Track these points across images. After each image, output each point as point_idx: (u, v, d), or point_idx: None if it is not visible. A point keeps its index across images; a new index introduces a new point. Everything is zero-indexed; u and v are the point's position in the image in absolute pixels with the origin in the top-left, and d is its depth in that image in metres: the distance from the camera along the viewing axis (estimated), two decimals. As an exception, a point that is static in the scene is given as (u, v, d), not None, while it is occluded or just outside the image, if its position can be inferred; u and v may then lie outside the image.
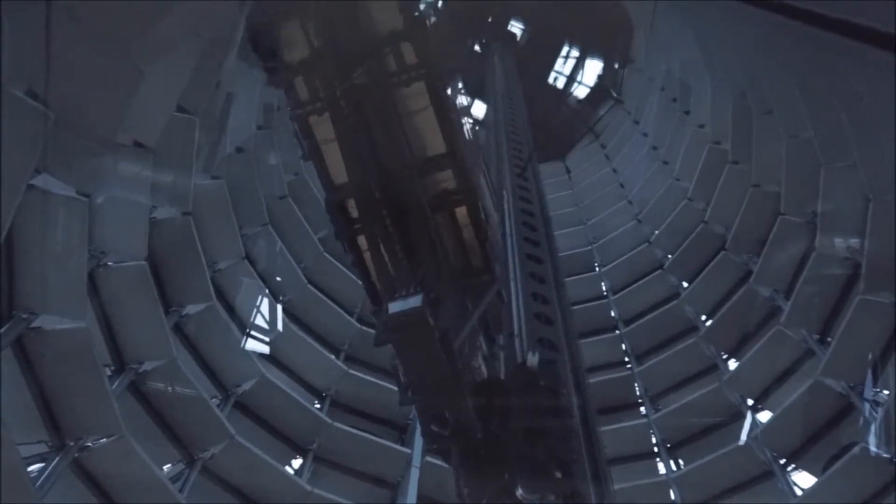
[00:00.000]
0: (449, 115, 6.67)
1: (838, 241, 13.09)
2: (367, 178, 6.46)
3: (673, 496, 13.92)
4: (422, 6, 6.76)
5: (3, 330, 8.41)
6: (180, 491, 10.73)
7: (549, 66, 31.91)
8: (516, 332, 10.57)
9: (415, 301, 5.67)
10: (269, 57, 6.40)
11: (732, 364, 15.79)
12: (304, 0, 6.11)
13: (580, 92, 31.90)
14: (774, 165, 15.23)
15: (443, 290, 6.30)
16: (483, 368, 7.05)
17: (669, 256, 19.62)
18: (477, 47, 31.02)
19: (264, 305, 15.48)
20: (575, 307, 17.42)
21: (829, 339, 12.75)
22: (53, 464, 9.00)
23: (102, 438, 9.49)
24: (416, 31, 6.32)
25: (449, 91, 7.38)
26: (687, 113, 21.56)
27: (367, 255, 6.82)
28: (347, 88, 6.21)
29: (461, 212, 7.02)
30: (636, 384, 17.27)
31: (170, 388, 11.52)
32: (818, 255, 13.24)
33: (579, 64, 31.61)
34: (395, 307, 5.71)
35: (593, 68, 31.34)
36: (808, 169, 13.66)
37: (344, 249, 7.15)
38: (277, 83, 6.50)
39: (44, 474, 8.80)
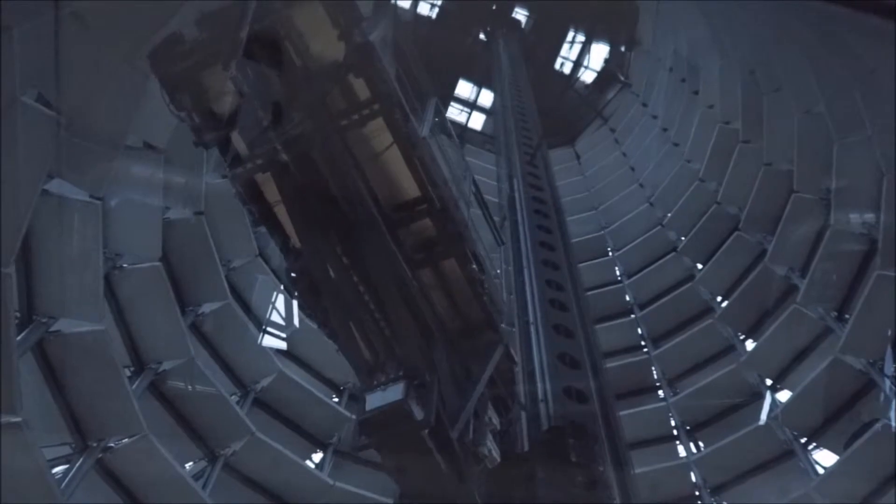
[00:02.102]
0: (418, 153, 5.72)
1: (853, 217, 12.92)
2: (325, 242, 5.53)
3: (694, 478, 13.89)
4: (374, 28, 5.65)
5: (23, 335, 8.52)
6: (203, 488, 10.85)
7: (556, 51, 31.67)
8: (531, 319, 10.58)
9: (395, 392, 4.74)
10: (192, 109, 5.42)
11: (750, 345, 15.68)
12: (224, 41, 5.04)
13: (587, 77, 31.65)
14: (786, 143, 15.05)
15: (435, 361, 5.56)
16: (494, 453, 5.80)
17: (683, 238, 19.48)
18: (482, 36, 30.83)
19: (280, 302, 15.57)
20: (589, 292, 17.38)
21: (847, 316, 12.61)
22: (77, 465, 9.14)
23: (125, 438, 9.62)
24: (362, 59, 5.32)
25: (431, 114, 6.62)
26: (696, 93, 21.34)
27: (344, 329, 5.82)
28: (289, 139, 5.26)
29: (449, 264, 6.10)
30: (653, 368, 17.21)
31: (189, 387, 11.64)
32: (833, 232, 13.08)
33: (585, 48, 31.35)
34: (372, 402, 4.80)
35: (600, 52, 31.08)
36: (821, 145, 13.49)
37: (318, 325, 6.25)
38: (207, 141, 5.49)
39: (68, 475, 8.95)
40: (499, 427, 6.23)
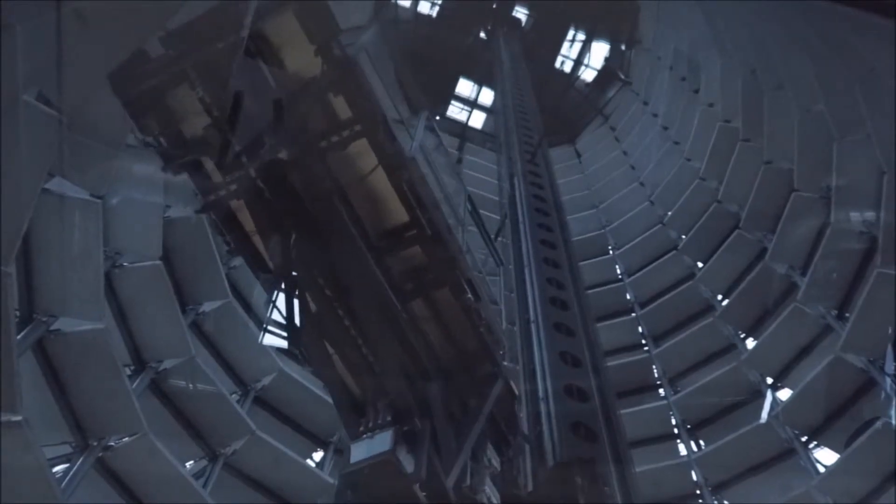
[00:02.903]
0: (405, 175, 5.35)
1: (854, 216, 12.92)
2: (306, 273, 5.22)
3: (695, 477, 13.89)
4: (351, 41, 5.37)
5: (23, 333, 8.51)
6: (203, 487, 10.85)
7: (556, 50, 31.67)
8: (532, 318, 10.57)
9: (382, 442, 4.43)
10: (159, 133, 5.03)
11: (750, 343, 15.67)
12: (194, 55, 4.72)
13: (588, 75, 31.65)
14: (787, 141, 15.05)
15: (430, 400, 5.26)
16: (493, 500, 5.44)
17: (683, 237, 19.47)
18: (482, 34, 30.81)
19: (280, 301, 15.52)
20: (590, 291, 17.37)
21: (848, 315, 12.61)
22: (78, 464, 9.13)
23: (125, 437, 9.61)
24: (342, 75, 4.96)
25: (421, 130, 6.25)
26: (696, 92, 21.33)
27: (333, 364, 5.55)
28: (263, 164, 4.88)
29: (442, 294, 5.71)
30: (654, 366, 17.20)
31: (189, 386, 11.64)
32: (833, 230, 13.08)
33: (586, 47, 31.34)
34: (357, 453, 4.48)
35: (600, 51, 31.07)
36: (821, 143, 13.49)
37: (302, 357, 5.87)
38: (176, 167, 5.08)
39: (69, 474, 8.94)
40: (499, 468, 5.93)
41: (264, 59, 5.03)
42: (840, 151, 12.76)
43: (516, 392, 6.34)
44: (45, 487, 7.49)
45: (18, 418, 7.07)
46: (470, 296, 5.82)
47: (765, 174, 16.14)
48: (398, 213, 5.56)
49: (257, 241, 5.50)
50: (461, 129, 30.69)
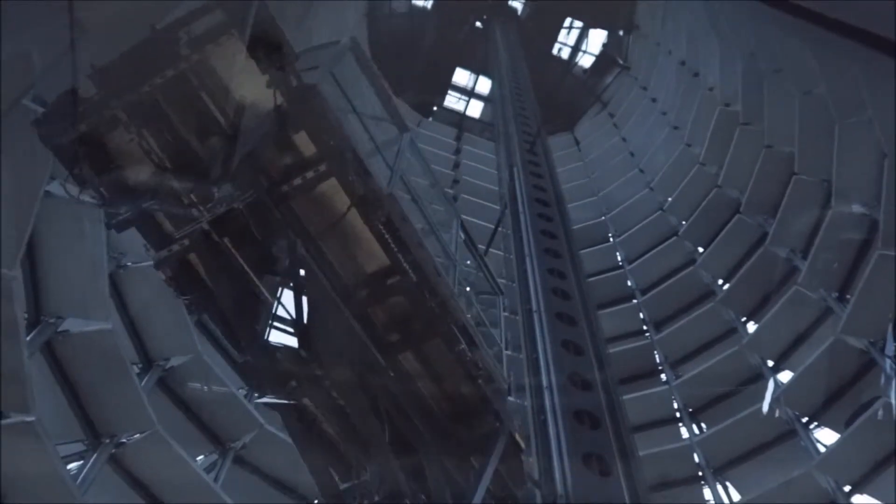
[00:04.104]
0: (382, 214, 4.75)
1: (855, 198, 12.95)
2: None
3: (697, 459, 14.03)
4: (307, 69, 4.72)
5: (32, 335, 8.62)
6: (215, 480, 11.00)
7: (553, 37, 31.55)
8: (534, 308, 10.67)
9: None
10: (98, 183, 4.42)
11: (752, 327, 15.78)
12: (126, 95, 4.18)
13: (585, 61, 31.57)
14: (787, 125, 15.04)
15: (424, 463, 5.02)
16: None
17: (684, 223, 19.51)
18: (479, 24, 30.69)
19: (286, 296, 15.63)
20: (591, 279, 17.48)
21: (849, 297, 12.69)
22: (91, 461, 9.28)
23: (136, 434, 9.75)
24: (300, 109, 4.36)
25: (400, 158, 5.57)
26: (696, 76, 21.28)
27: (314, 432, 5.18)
28: (217, 214, 4.30)
29: (433, 344, 5.23)
30: (655, 352, 17.32)
31: (197, 382, 11.76)
32: (835, 213, 13.12)
33: (583, 33, 31.21)
34: None
35: (598, 37, 30.95)
36: (822, 126, 13.49)
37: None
38: (120, 221, 4.47)
39: (83, 472, 9.09)
40: None
41: (210, 94, 4.36)
42: (841, 134, 12.76)
43: (522, 445, 5.88)
44: (61, 485, 7.63)
45: (32, 418, 7.21)
46: (464, 346, 5.21)
47: (765, 158, 16.16)
48: (378, 257, 4.96)
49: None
50: (459, 119, 30.66)
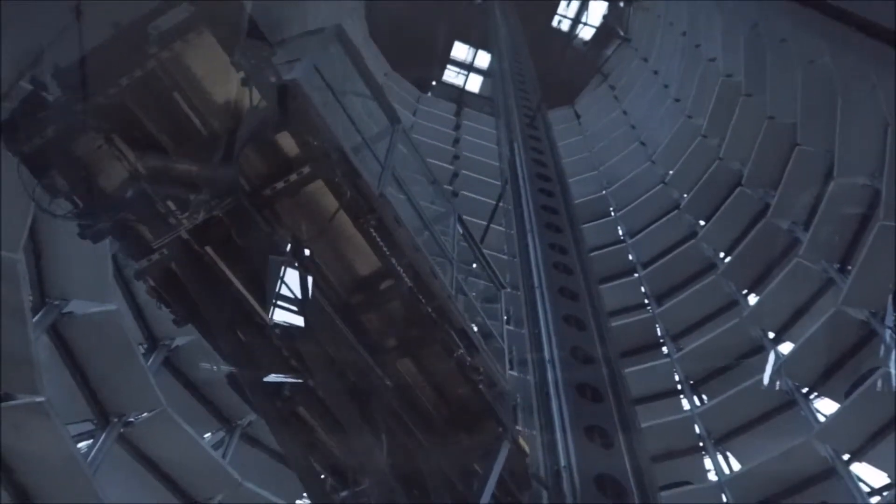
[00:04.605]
0: (373, 218, 4.51)
1: (857, 169, 12.90)
2: (262, 344, 4.63)
3: (698, 430, 14.21)
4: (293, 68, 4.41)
5: (37, 317, 8.69)
6: (223, 457, 11.18)
7: (553, 9, 31.14)
8: (536, 283, 10.71)
9: None
10: (70, 192, 4.16)
11: (753, 299, 15.84)
12: (92, 97, 3.88)
13: (586, 34, 31.20)
14: (790, 96, 14.93)
15: (426, 476, 4.90)
16: None
17: (685, 196, 19.47)
18: (477, -2, 30.26)
19: (289, 275, 15.69)
20: (592, 253, 17.49)
21: (850, 268, 12.72)
22: (101, 440, 9.42)
23: (144, 413, 9.88)
24: (282, 106, 4.10)
25: (391, 155, 5.31)
26: (697, 47, 21.06)
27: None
28: (200, 224, 4.05)
29: (432, 350, 5.02)
30: (657, 325, 17.42)
31: (202, 362, 11.87)
32: (837, 184, 13.08)
33: (584, 5, 30.80)
34: None
35: (598, 8, 30.54)
36: (825, 97, 13.39)
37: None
38: (96, 231, 4.21)
39: (93, 451, 9.23)
40: None
41: (183, 94, 4.07)
42: (844, 104, 12.67)
43: (527, 450, 5.72)
44: (73, 464, 7.77)
45: (41, 399, 7.31)
46: (463, 351, 5.00)
47: (767, 129, 16.05)
48: (371, 261, 4.75)
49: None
50: (458, 94, 30.41)
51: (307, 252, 4.38)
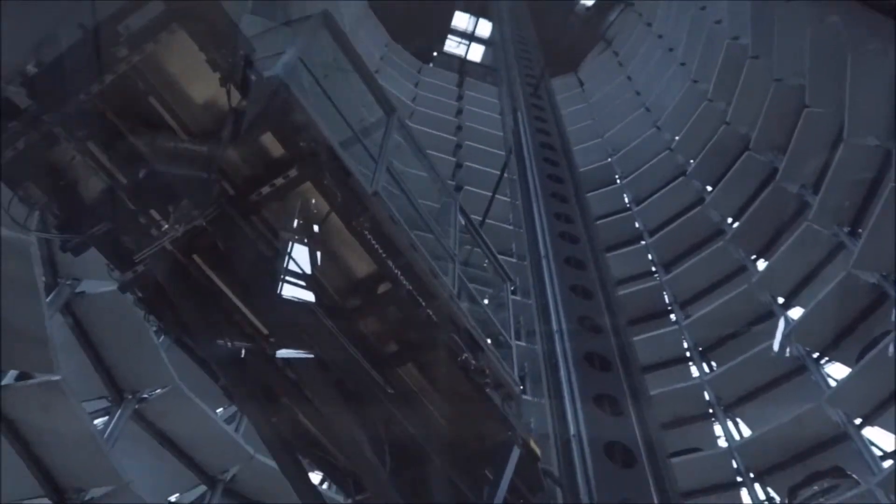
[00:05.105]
0: (366, 218, 4.28)
1: (867, 130, 12.71)
2: (256, 357, 4.51)
3: (707, 397, 14.28)
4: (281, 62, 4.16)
5: (51, 297, 8.75)
6: (236, 431, 11.33)
7: (555, -27, 30.51)
8: (543, 253, 10.71)
9: None
10: (49, 202, 3.98)
11: (762, 265, 15.78)
12: (63, 105, 3.67)
13: (588, -3, 30.61)
14: (798, 57, 14.64)
15: (432, 487, 4.78)
16: None
17: (692, 162, 19.29)
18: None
19: (297, 250, 15.72)
20: (598, 222, 17.45)
21: (860, 231, 12.62)
22: (116, 416, 9.55)
23: (158, 390, 9.99)
24: (264, 105, 3.89)
25: (386, 149, 5.02)
26: (703, 9, 20.66)
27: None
28: (182, 233, 3.84)
29: (435, 355, 4.80)
30: (665, 293, 17.41)
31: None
32: (847, 146, 12.90)
33: (586, -32, 30.17)
34: None
35: (601, -29, 29.91)
36: (834, 57, 13.12)
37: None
38: (79, 243, 4.08)
39: (109, 426, 9.38)
40: None
41: (159, 98, 3.88)
42: (854, 63, 12.42)
43: (538, 453, 5.47)
44: (90, 440, 7.89)
45: (57, 378, 7.40)
46: (467, 355, 4.80)
47: (775, 92, 15.80)
48: (368, 262, 4.53)
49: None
50: (460, 64, 30.03)
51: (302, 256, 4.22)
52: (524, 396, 12.25)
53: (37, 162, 3.84)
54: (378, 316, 4.75)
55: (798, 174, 14.88)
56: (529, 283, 11.40)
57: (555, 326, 8.87)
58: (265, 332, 4.48)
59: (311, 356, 4.38)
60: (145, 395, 9.97)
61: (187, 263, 4.14)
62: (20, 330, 7.09)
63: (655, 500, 6.47)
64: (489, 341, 5.61)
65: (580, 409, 7.33)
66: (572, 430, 7.12)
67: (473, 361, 4.82)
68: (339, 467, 5.11)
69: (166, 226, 3.86)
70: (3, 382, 7.50)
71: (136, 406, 9.83)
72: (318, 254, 4.34)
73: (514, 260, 16.73)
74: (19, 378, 7.74)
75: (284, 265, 4.14)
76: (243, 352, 4.61)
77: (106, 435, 9.03)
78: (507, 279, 7.09)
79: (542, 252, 10.69)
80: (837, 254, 13.48)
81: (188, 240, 3.92)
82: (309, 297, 4.25)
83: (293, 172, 4.04)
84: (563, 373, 7.95)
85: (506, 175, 16.21)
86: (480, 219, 15.23)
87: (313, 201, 4.19)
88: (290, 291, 4.15)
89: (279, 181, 4.06)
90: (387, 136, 5.32)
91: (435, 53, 30.41)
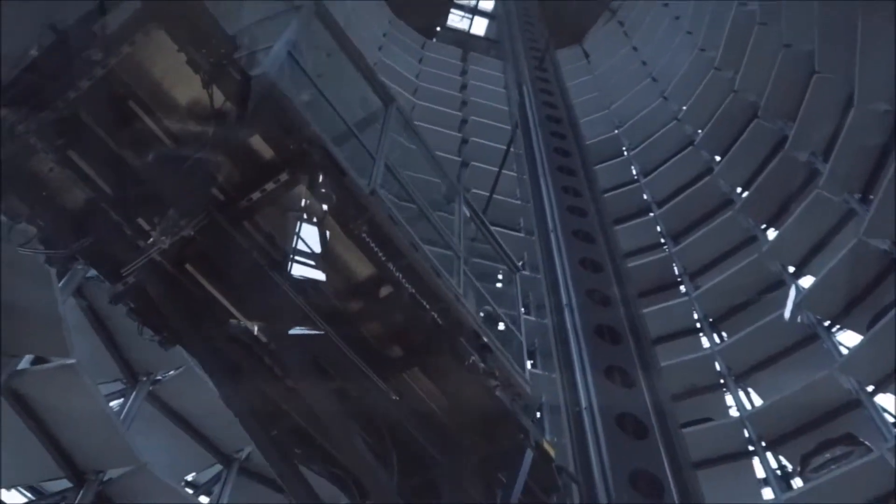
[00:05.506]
0: (364, 221, 4.09)
1: (878, 95, 12.49)
2: (255, 365, 4.41)
3: (718, 367, 14.29)
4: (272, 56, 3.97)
5: (63, 281, 8.81)
6: (250, 410, 11.46)
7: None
8: (551, 227, 10.66)
9: None
10: (33, 215, 3.81)
11: (771, 234, 15.67)
12: (39, 114, 3.45)
13: (592, -33, 30.02)
14: (806, 22, 14.36)
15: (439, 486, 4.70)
16: None
17: (700, 131, 19.07)
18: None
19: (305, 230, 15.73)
20: (606, 194, 17.33)
21: (872, 198, 12.47)
22: (132, 398, 9.68)
23: (171, 371, 10.11)
24: (250, 105, 3.66)
25: (385, 145, 4.81)
26: (709, -25, 20.27)
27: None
28: (171, 244, 3.67)
29: (441, 359, 4.60)
30: (674, 264, 17.35)
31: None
32: (857, 112, 12.71)
33: (589, -64, 29.57)
34: None
35: (604, -62, 29.30)
36: (844, 21, 12.86)
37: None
38: (65, 256, 3.95)
39: (125, 408, 9.51)
40: None
41: (140, 101, 3.68)
42: (865, 27, 12.16)
43: (552, 454, 5.32)
44: (107, 421, 8.00)
45: (72, 361, 7.48)
46: (475, 358, 4.62)
47: (784, 58, 15.54)
48: (363, 268, 4.35)
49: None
50: (463, 39, 29.67)
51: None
52: (535, 371, 12.31)
53: (15, 174, 3.64)
54: (380, 320, 4.56)
55: (808, 141, 14.70)
56: (538, 258, 11.37)
57: (564, 300, 8.86)
58: (263, 340, 4.33)
59: (311, 363, 4.25)
60: (159, 377, 10.09)
61: (178, 274, 3.97)
62: (34, 315, 7.16)
63: (668, 470, 6.51)
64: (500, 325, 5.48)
65: (591, 381, 7.34)
66: (584, 403, 7.14)
67: (482, 364, 4.65)
68: (342, 475, 5.03)
69: (151, 239, 3.70)
70: (20, 367, 7.59)
71: (151, 388, 9.95)
72: (316, 258, 4.20)
73: (521, 235, 16.68)
74: (35, 362, 7.84)
75: (280, 271, 4.04)
76: (240, 361, 4.49)
77: (122, 416, 9.16)
78: (516, 270, 6.91)
79: (551, 226, 10.63)
80: (848, 221, 13.36)
81: (178, 249, 3.76)
82: (306, 302, 4.13)
83: (284, 176, 3.83)
84: (573, 346, 7.95)
85: (512, 149, 16.08)
86: (487, 194, 15.15)
87: (309, 203, 4.00)
88: (286, 297, 4.03)
89: (270, 186, 3.85)
90: (385, 128, 5.08)
91: (438, 28, 30.04)
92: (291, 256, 4.14)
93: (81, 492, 8.21)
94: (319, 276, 4.29)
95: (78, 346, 7.75)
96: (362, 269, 4.37)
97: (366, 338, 4.54)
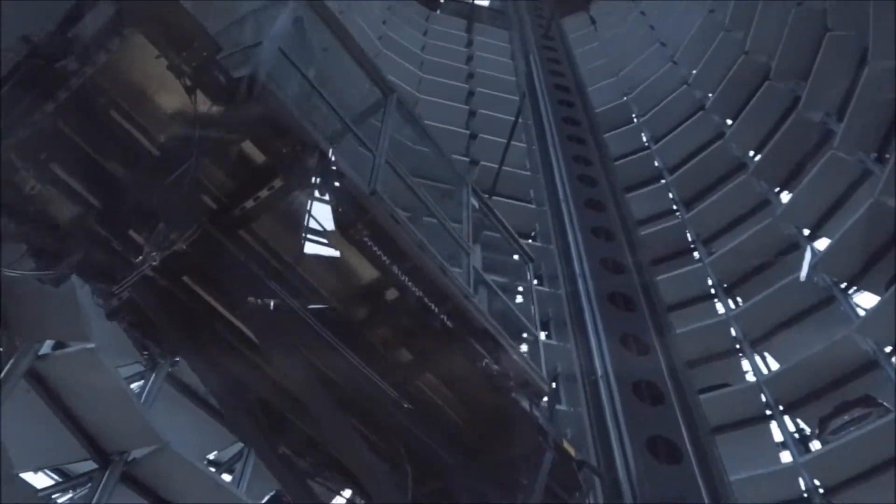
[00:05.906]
0: (365, 223, 3.95)
1: (893, 51, 12.19)
2: (256, 375, 4.29)
3: (734, 333, 14.25)
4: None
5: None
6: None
7: None
8: (562, 197, 10.60)
9: None
10: (22, 231, 3.66)
11: (785, 197, 15.48)
12: (15, 131, 3.26)
13: (597, -71, 29.33)
14: (820, -23, 14.01)
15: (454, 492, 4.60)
16: None
17: (710, 95, 18.76)
18: None
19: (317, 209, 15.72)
20: (617, 162, 17.17)
21: (888, 157, 12.26)
22: (151, 381, 9.81)
23: (189, 354, 10.21)
24: (237, 109, 3.48)
25: (385, 141, 4.62)
26: (717, -66, 19.74)
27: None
28: (162, 259, 3.54)
29: (453, 363, 4.47)
30: (687, 230, 17.22)
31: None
32: (871, 69, 12.42)
33: None
34: None
35: None
36: (858, -24, 12.52)
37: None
38: (61, 272, 3.81)
39: (145, 390, 9.65)
40: None
41: (122, 110, 3.53)
42: (878, -18, 11.85)
43: (572, 453, 5.17)
44: (128, 403, 8.13)
45: (92, 345, 7.58)
46: (488, 360, 4.48)
47: (796, 17, 15.18)
48: (370, 270, 4.18)
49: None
50: (468, 10, 29.21)
51: (293, 270, 3.91)
52: (549, 341, 12.33)
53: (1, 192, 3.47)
54: (387, 325, 4.39)
55: (821, 101, 14.42)
56: (549, 228, 11.32)
57: (577, 269, 8.84)
58: (263, 349, 4.23)
59: (314, 373, 4.10)
60: (177, 358, 10.20)
61: (173, 286, 3.86)
62: (54, 301, 7.25)
63: (686, 436, 6.53)
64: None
65: (606, 349, 7.36)
66: (599, 371, 7.17)
67: (495, 366, 4.50)
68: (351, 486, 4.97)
69: (141, 256, 3.56)
70: (41, 352, 7.71)
71: (170, 369, 10.07)
72: (316, 263, 4.05)
73: (532, 206, 16.59)
74: (55, 348, 7.95)
75: (279, 279, 3.91)
76: (241, 374, 4.40)
77: (143, 398, 9.29)
78: (529, 260, 6.72)
79: (562, 195, 10.58)
80: (864, 181, 13.16)
81: (172, 262, 3.61)
82: (307, 310, 4.01)
83: (278, 182, 3.65)
84: (587, 314, 7.96)
85: (521, 120, 15.93)
86: (496, 166, 15.05)
87: (307, 208, 3.83)
88: (286, 307, 3.90)
89: (264, 194, 3.68)
90: (385, 122, 4.84)
91: (442, 0, 29.59)
92: (285, 268, 3.98)
93: (107, 473, 8.37)
94: (322, 304, 4.16)
95: (97, 330, 7.84)
96: (366, 272, 4.22)
97: (372, 344, 4.41)
